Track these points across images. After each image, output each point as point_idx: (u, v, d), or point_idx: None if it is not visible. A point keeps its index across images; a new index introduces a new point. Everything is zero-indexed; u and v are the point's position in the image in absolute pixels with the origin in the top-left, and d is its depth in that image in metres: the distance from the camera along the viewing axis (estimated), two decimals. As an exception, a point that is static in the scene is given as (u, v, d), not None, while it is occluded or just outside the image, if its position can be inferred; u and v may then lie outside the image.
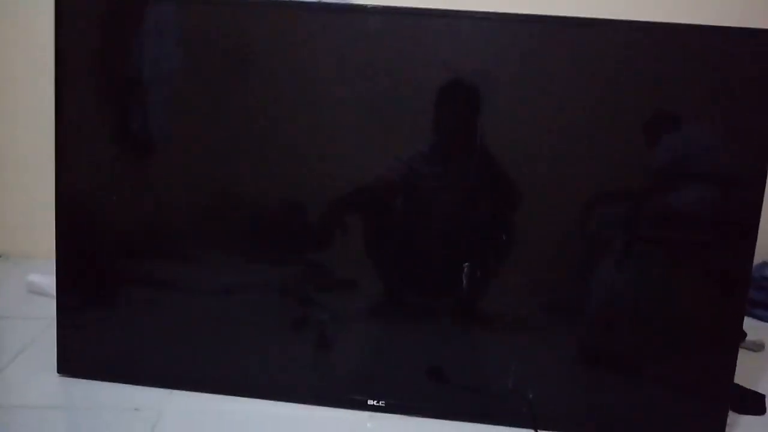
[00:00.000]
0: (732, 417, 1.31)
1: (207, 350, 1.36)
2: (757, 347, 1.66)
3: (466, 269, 1.28)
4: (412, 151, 1.27)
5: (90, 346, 1.38)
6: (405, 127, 1.27)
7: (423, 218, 1.32)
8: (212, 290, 1.36)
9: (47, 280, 1.71)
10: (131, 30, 1.30)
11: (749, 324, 1.62)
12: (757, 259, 1.47)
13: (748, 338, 1.63)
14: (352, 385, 1.34)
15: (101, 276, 1.39)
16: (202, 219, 1.36)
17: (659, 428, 1.30)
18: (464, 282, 1.28)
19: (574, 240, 1.28)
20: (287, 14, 1.27)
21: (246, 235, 1.36)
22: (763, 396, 1.42)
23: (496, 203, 1.29)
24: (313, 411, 1.32)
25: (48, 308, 1.42)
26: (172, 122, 1.34)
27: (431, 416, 1.31)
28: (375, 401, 1.32)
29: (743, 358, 1.30)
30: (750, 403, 1.40)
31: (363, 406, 1.32)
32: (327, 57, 1.25)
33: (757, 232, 1.21)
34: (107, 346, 1.38)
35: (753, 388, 1.45)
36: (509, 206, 1.28)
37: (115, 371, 1.37)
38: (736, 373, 1.26)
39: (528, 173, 1.25)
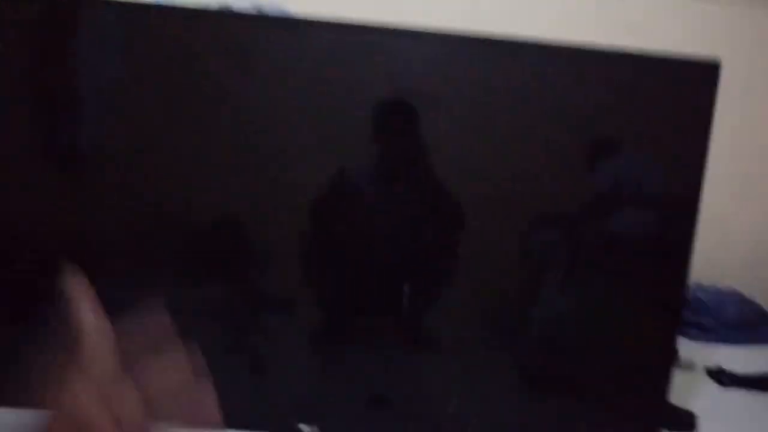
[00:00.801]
0: (664, 435, 1.34)
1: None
2: (687, 366, 1.71)
3: (406, 291, 1.25)
4: (353, 168, 1.24)
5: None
6: (347, 144, 1.23)
7: (363, 237, 1.29)
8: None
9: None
10: (64, 36, 1.21)
11: (680, 343, 1.67)
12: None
13: (679, 357, 1.68)
14: (285, 409, 1.29)
15: (14, 294, 1.29)
16: (131, 235, 1.28)
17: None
18: (405, 304, 1.26)
19: (517, 262, 1.28)
20: (229, 25, 1.22)
21: (177, 253, 1.29)
22: (692, 414, 1.46)
23: (437, 224, 1.27)
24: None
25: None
26: (100, 133, 1.26)
27: (368, 441, 1.28)
28: (308, 427, 1.27)
29: (674, 377, 1.33)
30: (681, 420, 1.43)
31: (296, 432, 1.27)
32: (268, 71, 1.21)
33: (690, 255, 1.24)
34: (15, 368, 1.28)
35: (683, 406, 1.48)
36: (451, 227, 1.26)
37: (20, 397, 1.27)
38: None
39: (469, 195, 1.23)
